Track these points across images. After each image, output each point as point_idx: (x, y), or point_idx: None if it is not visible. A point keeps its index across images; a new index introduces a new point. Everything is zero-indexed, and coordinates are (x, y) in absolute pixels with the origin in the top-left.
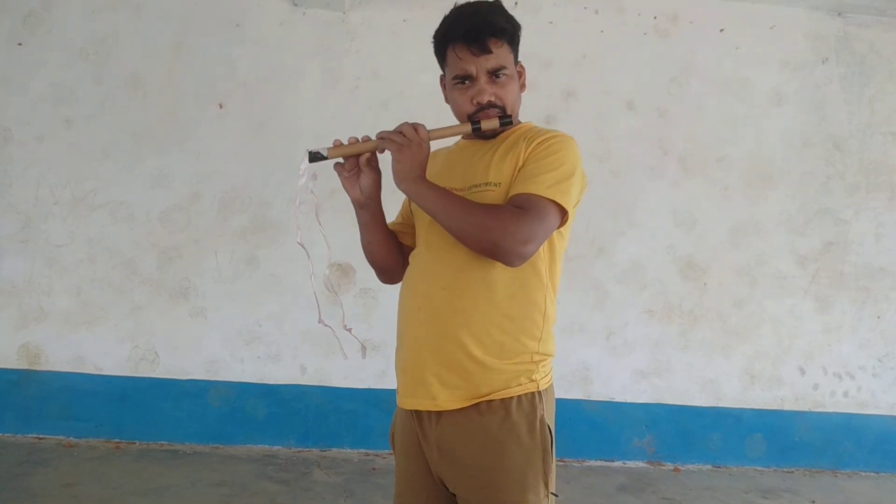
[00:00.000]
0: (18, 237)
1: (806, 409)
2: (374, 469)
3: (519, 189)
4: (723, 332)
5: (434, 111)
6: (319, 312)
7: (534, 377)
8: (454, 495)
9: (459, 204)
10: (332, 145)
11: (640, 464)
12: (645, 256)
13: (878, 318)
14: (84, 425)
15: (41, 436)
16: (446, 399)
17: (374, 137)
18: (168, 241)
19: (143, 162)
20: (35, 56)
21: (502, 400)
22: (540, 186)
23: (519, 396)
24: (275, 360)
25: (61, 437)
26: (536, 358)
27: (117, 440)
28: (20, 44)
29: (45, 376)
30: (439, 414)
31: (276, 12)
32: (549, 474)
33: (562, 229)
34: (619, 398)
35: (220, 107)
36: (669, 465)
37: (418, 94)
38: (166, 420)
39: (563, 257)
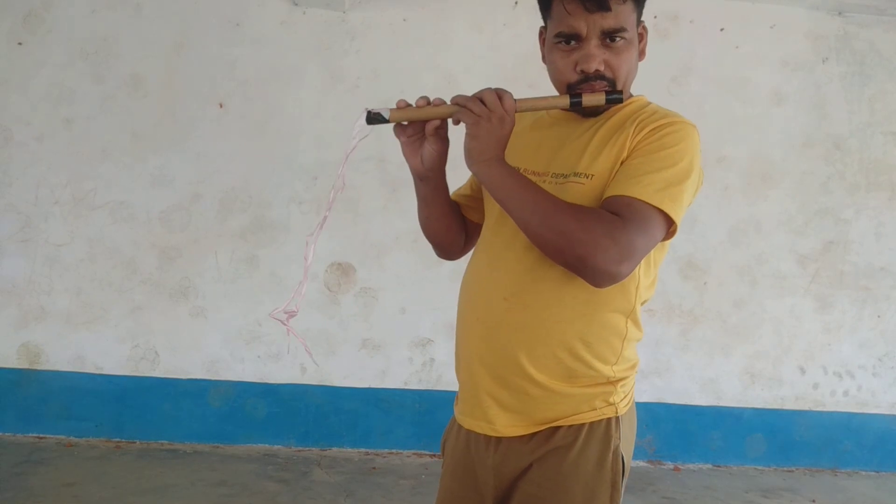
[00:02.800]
0: (18, 237)
1: (806, 408)
2: (374, 469)
3: (620, 189)
4: (723, 332)
5: None
6: (293, 303)
7: (611, 399)
8: None
9: (543, 202)
10: (395, 106)
11: (641, 463)
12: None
13: (879, 317)
14: (84, 425)
15: (41, 435)
16: (505, 424)
17: (448, 102)
18: (168, 241)
19: (143, 162)
20: (35, 56)
21: (570, 427)
22: (647, 189)
23: (592, 423)
24: (275, 360)
25: (61, 437)
26: (614, 378)
27: (117, 440)
28: (20, 43)
29: (45, 376)
30: (499, 440)
31: (276, 12)
32: None
33: (666, 242)
34: None
35: (220, 107)
36: (670, 465)
37: (418, 94)
38: (166, 420)
39: (658, 270)
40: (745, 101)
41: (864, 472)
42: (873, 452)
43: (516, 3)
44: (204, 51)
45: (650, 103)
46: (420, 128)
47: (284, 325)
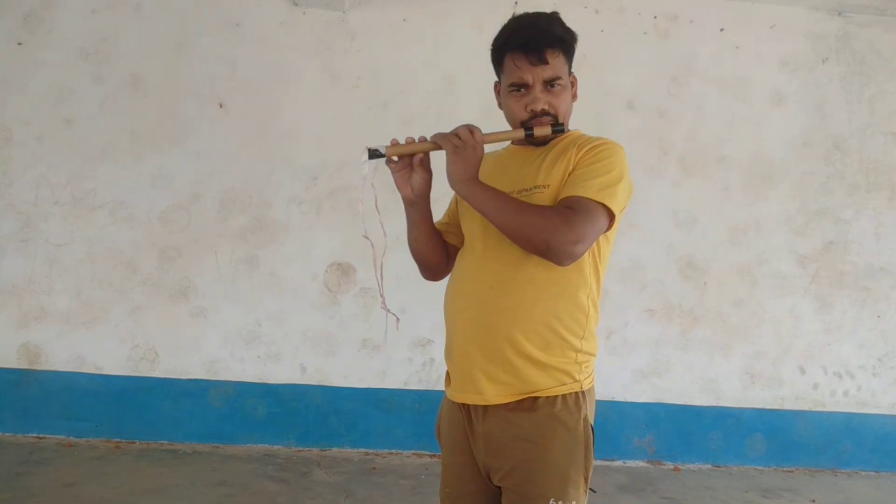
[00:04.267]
0: (18, 237)
1: (806, 408)
2: (374, 469)
3: (569, 192)
4: (723, 332)
5: (434, 111)
6: (384, 299)
7: (577, 377)
8: (499, 487)
9: (512, 204)
10: (389, 144)
11: (641, 463)
12: (645, 256)
13: (879, 317)
14: (84, 425)
15: (41, 435)
16: (493, 394)
17: (429, 139)
18: (168, 241)
19: (143, 162)
20: (35, 56)
21: (548, 398)
22: (589, 190)
23: (564, 395)
24: (275, 360)
25: (61, 437)
26: (580, 358)
27: (117, 440)
28: (20, 44)
29: (45, 376)
30: (486, 408)
31: (276, 12)
32: (588, 470)
33: (608, 233)
34: (619, 398)
35: (220, 107)
36: (669, 465)
37: (418, 94)
38: (166, 420)
39: (608, 260)
40: (745, 101)
41: (863, 472)
42: (873, 452)
43: (516, 2)
44: (204, 51)
45: (584, 134)
46: (409, 162)
47: (392, 314)
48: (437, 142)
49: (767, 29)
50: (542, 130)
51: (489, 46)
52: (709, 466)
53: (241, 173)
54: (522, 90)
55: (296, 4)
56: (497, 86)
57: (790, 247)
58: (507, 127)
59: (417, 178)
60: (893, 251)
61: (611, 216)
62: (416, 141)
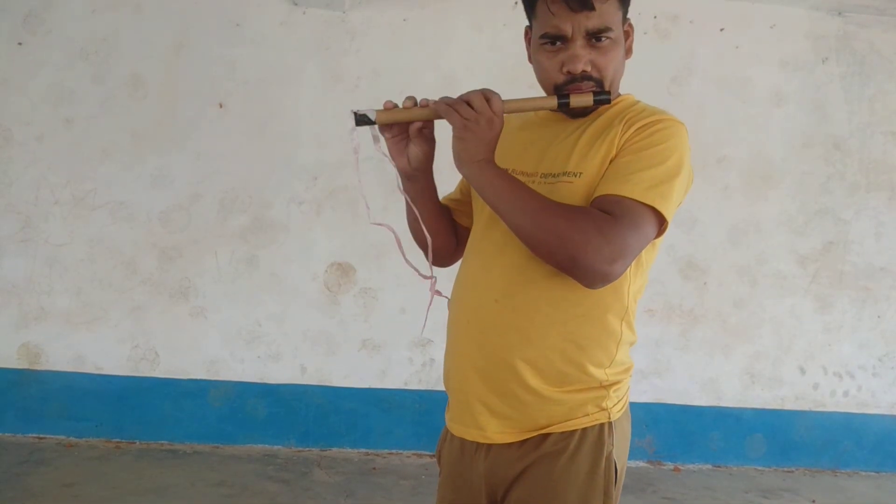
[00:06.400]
0: (18, 237)
1: (806, 408)
2: (374, 469)
3: (610, 188)
4: (723, 332)
5: None
6: (427, 274)
7: (604, 404)
8: None
9: (533, 202)
10: (381, 108)
11: (641, 463)
12: None
13: (879, 317)
14: (84, 425)
15: (41, 435)
16: (496, 431)
17: (432, 104)
18: (168, 241)
19: (143, 162)
20: (35, 56)
21: (562, 433)
22: (637, 188)
23: (584, 429)
24: (275, 360)
25: (61, 437)
26: (607, 383)
27: (117, 440)
28: (20, 44)
29: (45, 376)
30: (489, 447)
31: (276, 12)
32: None
33: (655, 240)
34: None
35: (220, 107)
36: (669, 465)
37: (418, 94)
38: (166, 420)
39: (649, 272)
40: (745, 101)
41: (864, 473)
42: (873, 453)
43: (516, 2)
44: (204, 51)
45: (638, 101)
46: (404, 127)
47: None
48: (441, 112)
49: (767, 29)
50: (580, 100)
51: (489, 46)
52: (709, 466)
53: (241, 173)
54: (559, 43)
55: (296, 4)
56: (528, 32)
57: (790, 247)
58: (539, 91)
59: (416, 148)
60: (893, 251)
61: (661, 221)
62: (418, 105)
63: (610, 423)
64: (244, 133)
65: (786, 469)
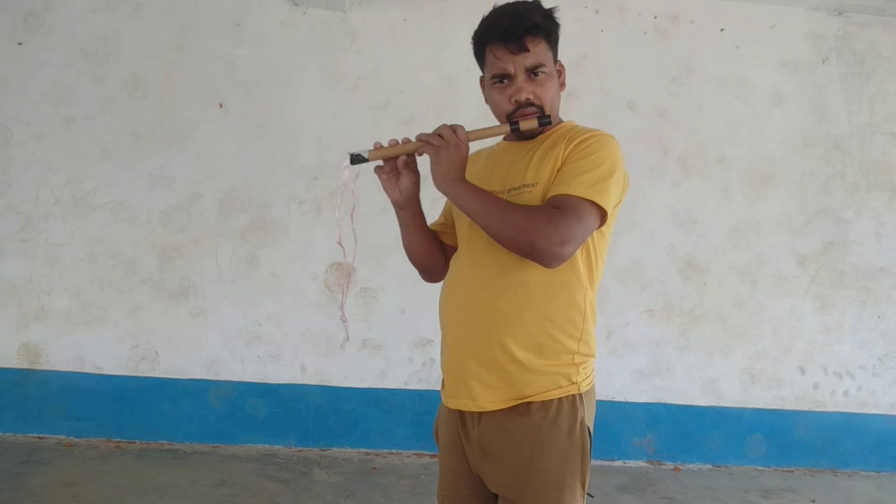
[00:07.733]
0: (18, 237)
1: (806, 408)
2: (374, 469)
3: (557, 190)
4: (723, 332)
5: (434, 111)
6: (342, 311)
7: (574, 379)
8: (495, 494)
9: (497, 205)
10: (372, 147)
11: (641, 463)
12: (645, 256)
13: (879, 317)
14: (84, 425)
15: (41, 435)
16: (487, 400)
17: (413, 140)
18: (168, 241)
19: (143, 162)
20: (35, 56)
21: (543, 402)
22: (578, 187)
23: (560, 399)
24: (275, 360)
25: (62, 437)
26: (577, 360)
27: (118, 440)
28: (20, 44)
29: (45, 376)
30: (480, 414)
31: (276, 12)
32: (585, 475)
33: (602, 229)
34: (619, 398)
35: (220, 107)
36: (669, 465)
37: (418, 94)
38: (166, 420)
39: (605, 258)
40: (745, 101)
41: (864, 473)
42: (873, 453)
43: None
44: (204, 51)
45: (577, 126)
46: (394, 166)
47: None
48: (420, 143)
49: (767, 29)
50: (527, 123)
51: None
52: (709, 466)
53: (241, 173)
54: (505, 81)
55: (296, 4)
56: (482, 80)
57: (790, 247)
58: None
59: (405, 180)
60: (893, 251)
61: (602, 213)
62: (400, 143)
63: (580, 395)
64: (244, 133)
65: (786, 469)
